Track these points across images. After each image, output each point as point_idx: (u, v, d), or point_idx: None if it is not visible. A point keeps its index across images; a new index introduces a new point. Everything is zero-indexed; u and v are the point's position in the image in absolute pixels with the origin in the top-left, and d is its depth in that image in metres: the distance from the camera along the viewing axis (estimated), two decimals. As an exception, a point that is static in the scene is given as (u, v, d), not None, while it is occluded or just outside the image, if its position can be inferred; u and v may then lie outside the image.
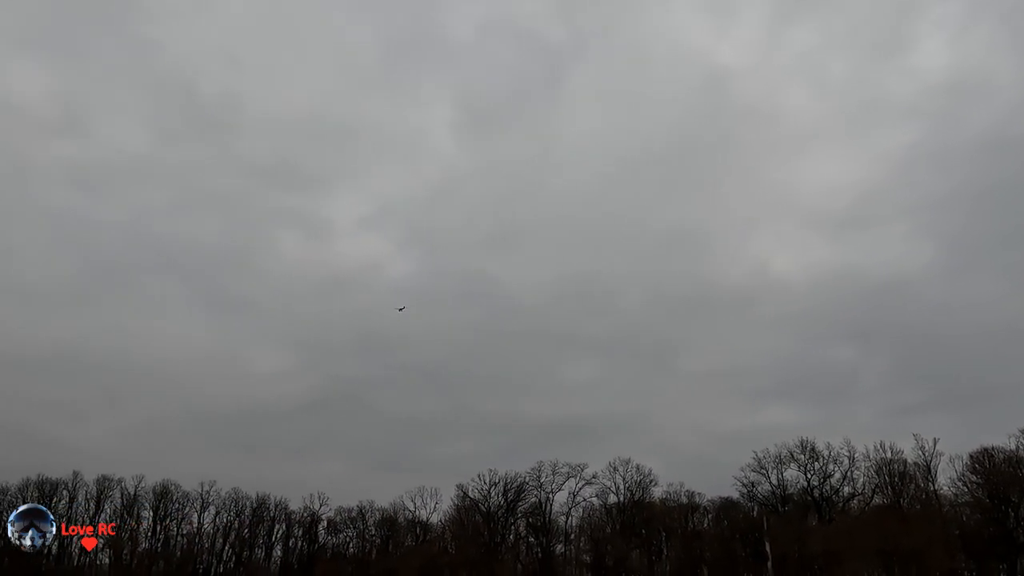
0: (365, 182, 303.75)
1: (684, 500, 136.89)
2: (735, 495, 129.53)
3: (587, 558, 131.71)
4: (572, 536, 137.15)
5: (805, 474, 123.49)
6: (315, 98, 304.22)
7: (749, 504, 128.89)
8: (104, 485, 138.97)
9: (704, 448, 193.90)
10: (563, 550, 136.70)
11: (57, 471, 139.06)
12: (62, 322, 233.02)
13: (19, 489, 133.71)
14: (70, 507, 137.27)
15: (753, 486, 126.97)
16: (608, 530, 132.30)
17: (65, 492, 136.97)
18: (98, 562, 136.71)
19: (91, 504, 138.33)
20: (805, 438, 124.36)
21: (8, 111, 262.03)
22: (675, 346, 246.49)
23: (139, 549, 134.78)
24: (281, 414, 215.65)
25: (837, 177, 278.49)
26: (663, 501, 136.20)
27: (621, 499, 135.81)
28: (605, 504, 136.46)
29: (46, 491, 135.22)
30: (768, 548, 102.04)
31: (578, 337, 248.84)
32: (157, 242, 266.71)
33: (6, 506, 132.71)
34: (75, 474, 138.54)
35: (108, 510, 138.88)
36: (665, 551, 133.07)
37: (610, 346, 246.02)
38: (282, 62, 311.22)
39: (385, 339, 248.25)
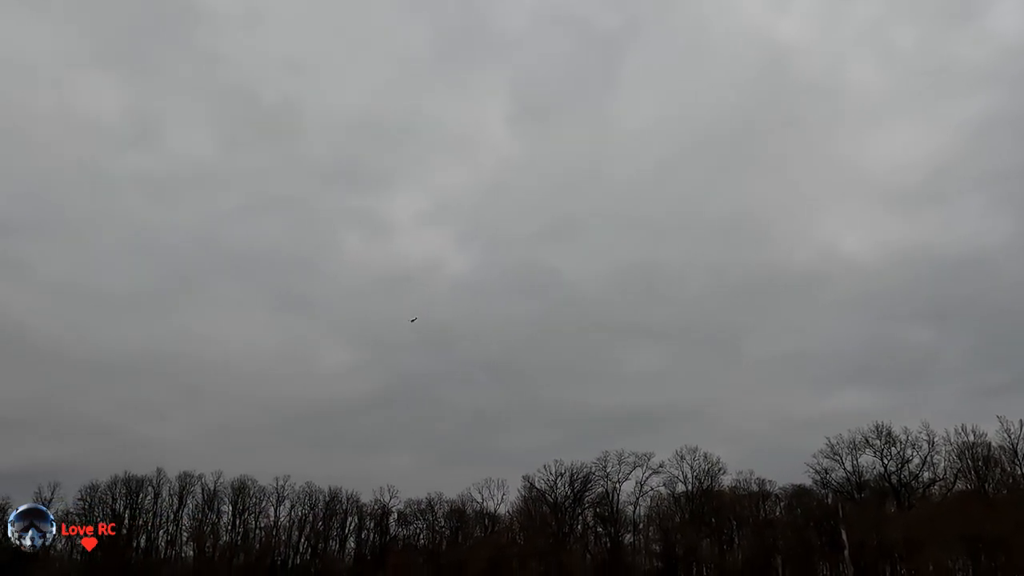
0: (423, 178, 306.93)
1: (755, 488, 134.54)
2: (808, 482, 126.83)
3: (657, 547, 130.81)
4: (640, 526, 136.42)
5: (881, 460, 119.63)
6: (372, 98, 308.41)
7: (823, 491, 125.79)
8: (186, 481, 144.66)
9: (774, 435, 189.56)
10: (632, 540, 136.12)
11: (142, 468, 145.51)
12: (143, 326, 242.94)
13: (108, 487, 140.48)
14: (155, 503, 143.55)
15: (826, 473, 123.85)
16: (677, 519, 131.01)
17: (150, 488, 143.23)
18: (182, 555, 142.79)
19: (174, 500, 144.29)
20: (880, 422, 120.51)
21: (87, 127, 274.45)
22: (741, 332, 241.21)
23: (220, 542, 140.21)
24: (350, 410, 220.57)
25: (908, 151, 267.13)
26: (733, 489, 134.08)
27: (689, 488, 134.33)
28: (673, 493, 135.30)
29: (132, 487, 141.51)
30: (844, 536, 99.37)
31: (641, 326, 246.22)
32: (227, 247, 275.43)
33: (97, 502, 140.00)
34: (159, 471, 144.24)
35: (190, 505, 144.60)
36: (736, 540, 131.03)
37: (674, 334, 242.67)
38: (339, 64, 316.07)
39: (448, 334, 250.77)
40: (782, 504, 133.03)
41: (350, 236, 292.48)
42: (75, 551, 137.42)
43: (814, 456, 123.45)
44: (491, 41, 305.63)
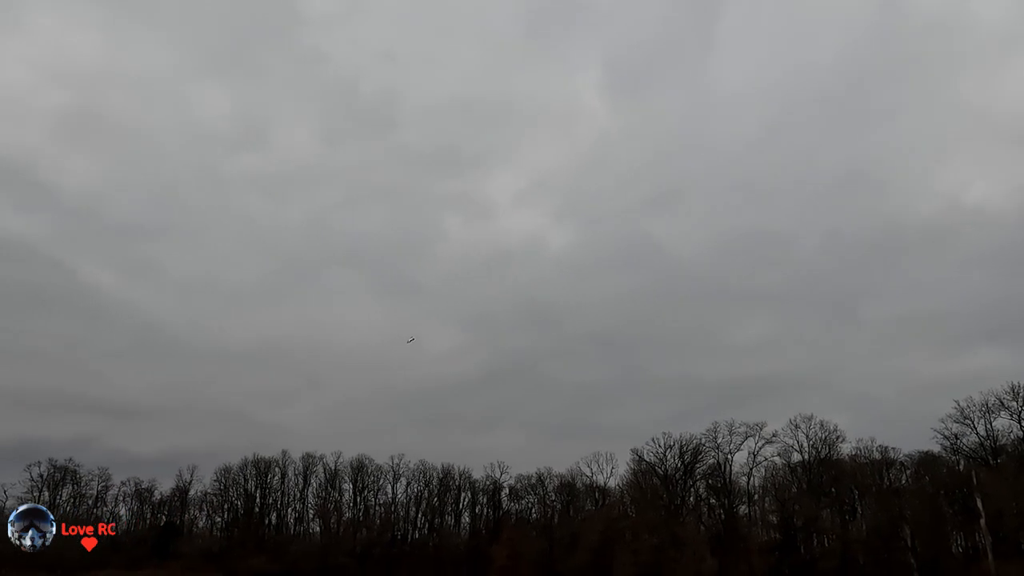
0: (520, 157, 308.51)
1: (877, 456, 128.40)
2: (936, 448, 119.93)
3: (773, 519, 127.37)
4: (755, 497, 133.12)
5: (1019, 422, 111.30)
6: (467, 80, 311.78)
7: (953, 458, 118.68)
8: (308, 462, 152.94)
9: (895, 400, 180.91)
10: (747, 511, 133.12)
11: (269, 451, 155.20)
12: (264, 317, 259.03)
13: (240, 468, 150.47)
14: (282, 482, 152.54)
15: (956, 438, 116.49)
16: (794, 489, 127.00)
17: (277, 469, 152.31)
18: (310, 531, 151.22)
19: (299, 479, 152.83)
20: (1017, 383, 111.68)
21: (202, 132, 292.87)
22: (857, 293, 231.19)
23: (344, 518, 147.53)
24: (459, 389, 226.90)
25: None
26: (853, 458, 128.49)
27: (806, 457, 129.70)
28: (789, 463, 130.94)
29: (261, 469, 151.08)
30: (980, 504, 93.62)
31: (749, 293, 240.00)
32: (335, 237, 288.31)
33: (231, 482, 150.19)
34: (284, 453, 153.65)
35: (314, 484, 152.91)
36: (859, 510, 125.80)
37: (785, 299, 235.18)
38: (433, 50, 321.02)
39: (552, 310, 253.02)
40: (908, 472, 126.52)
41: (451, 220, 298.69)
42: (215, 529, 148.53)
43: (942, 421, 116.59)
44: (581, 12, 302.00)
